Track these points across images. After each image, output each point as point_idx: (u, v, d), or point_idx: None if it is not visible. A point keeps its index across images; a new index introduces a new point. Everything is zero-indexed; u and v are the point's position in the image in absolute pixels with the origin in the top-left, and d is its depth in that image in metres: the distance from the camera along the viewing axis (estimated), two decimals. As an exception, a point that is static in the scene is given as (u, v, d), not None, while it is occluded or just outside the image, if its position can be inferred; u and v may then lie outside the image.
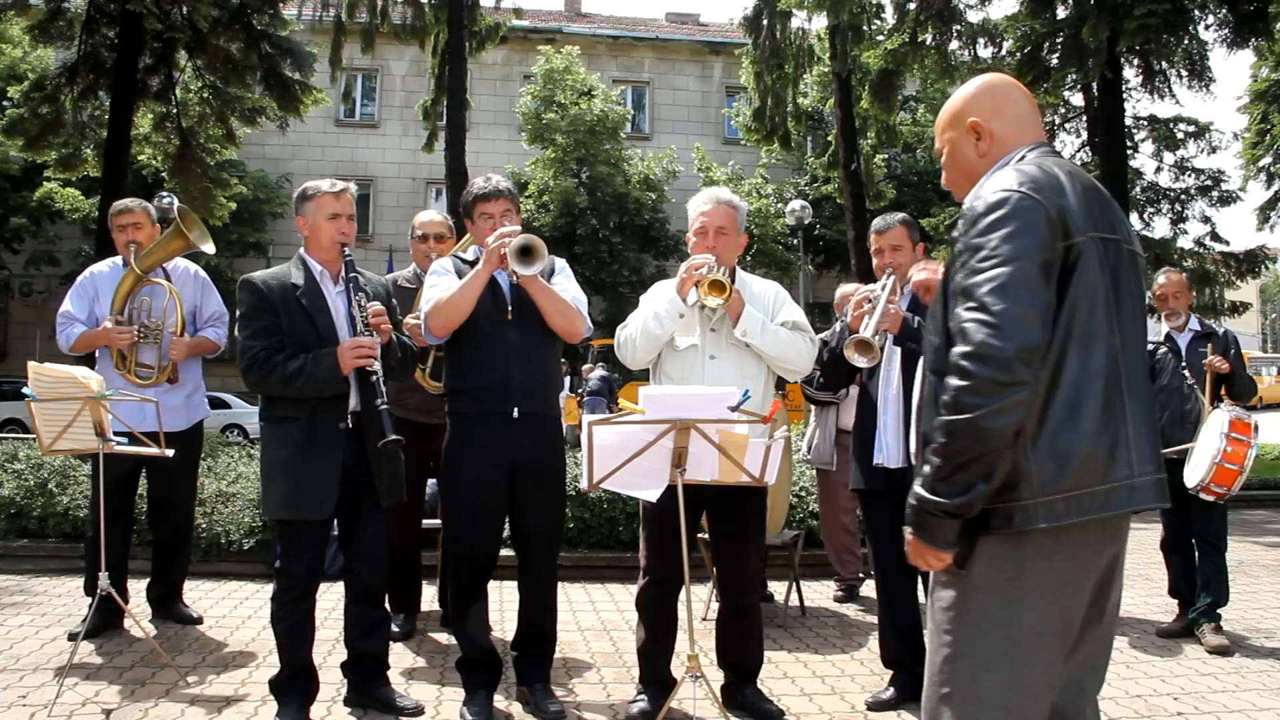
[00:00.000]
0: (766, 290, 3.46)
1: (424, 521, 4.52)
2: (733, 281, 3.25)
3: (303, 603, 3.15)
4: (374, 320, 3.13)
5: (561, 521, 3.48)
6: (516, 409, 3.18)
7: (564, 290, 3.31)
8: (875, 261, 3.64)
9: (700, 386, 3.17)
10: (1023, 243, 1.66)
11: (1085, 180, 1.81)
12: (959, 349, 1.66)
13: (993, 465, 1.64)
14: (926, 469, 1.70)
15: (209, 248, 4.37)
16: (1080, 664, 1.80)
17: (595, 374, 16.47)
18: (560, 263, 3.44)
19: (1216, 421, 4.20)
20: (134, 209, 4.34)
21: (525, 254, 3.11)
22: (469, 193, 3.42)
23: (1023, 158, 1.84)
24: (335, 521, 3.26)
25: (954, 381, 1.65)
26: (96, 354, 4.31)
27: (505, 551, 3.51)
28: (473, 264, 3.33)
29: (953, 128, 1.96)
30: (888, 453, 3.50)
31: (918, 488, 1.72)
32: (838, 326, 4.75)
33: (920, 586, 3.47)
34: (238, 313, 3.24)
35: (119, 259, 4.36)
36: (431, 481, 4.71)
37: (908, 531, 1.75)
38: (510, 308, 3.24)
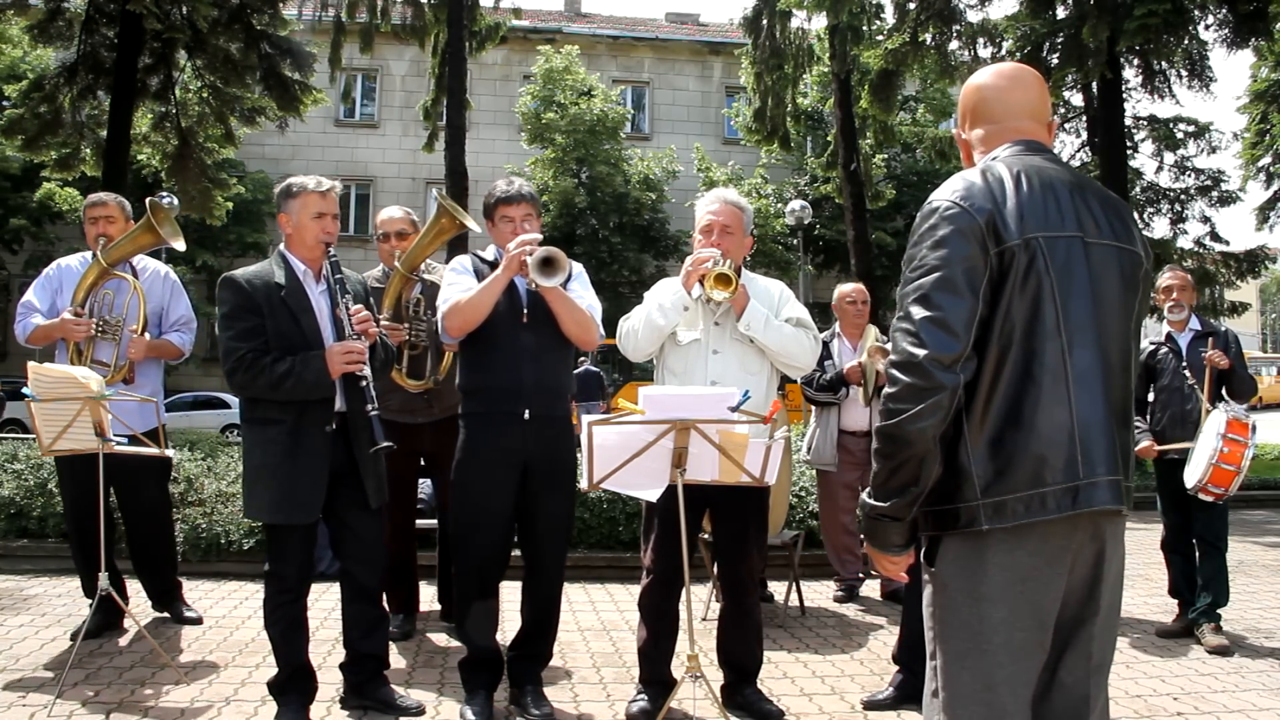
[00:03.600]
0: (771, 287, 3.48)
1: (418, 522, 4.51)
2: (739, 276, 3.26)
3: (295, 604, 3.14)
4: (360, 325, 3.13)
5: (570, 524, 3.47)
6: (528, 410, 3.19)
7: (580, 297, 3.32)
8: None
9: (700, 387, 3.17)
10: (946, 252, 1.69)
11: (1048, 177, 1.78)
12: (890, 358, 1.74)
13: (919, 469, 1.69)
14: (872, 475, 1.78)
15: (179, 244, 4.22)
16: (1077, 665, 1.77)
17: (579, 370, 16.24)
18: (577, 268, 3.41)
19: (1214, 422, 4.20)
20: (108, 202, 4.21)
21: (547, 265, 3.11)
22: (491, 194, 3.43)
23: (994, 158, 1.85)
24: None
25: (886, 389, 1.73)
26: (56, 348, 4.13)
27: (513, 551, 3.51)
28: (492, 264, 3.34)
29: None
30: None
31: (863, 494, 1.79)
32: (834, 345, 4.73)
33: None
34: (219, 312, 3.13)
35: (89, 253, 4.19)
36: (424, 481, 4.70)
37: (861, 537, 1.80)
38: (525, 311, 3.25)
